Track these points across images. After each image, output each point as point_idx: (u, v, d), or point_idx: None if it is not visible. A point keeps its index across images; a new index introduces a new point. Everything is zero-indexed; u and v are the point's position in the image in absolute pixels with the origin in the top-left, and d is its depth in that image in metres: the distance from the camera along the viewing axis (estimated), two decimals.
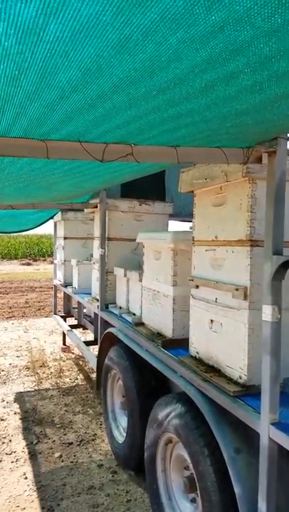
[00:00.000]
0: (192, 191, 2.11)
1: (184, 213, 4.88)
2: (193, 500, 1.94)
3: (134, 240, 3.02)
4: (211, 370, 1.85)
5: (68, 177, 1.91)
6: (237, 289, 1.67)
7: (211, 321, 1.89)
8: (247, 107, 0.92)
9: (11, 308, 8.99)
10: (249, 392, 1.62)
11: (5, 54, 0.66)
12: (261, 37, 0.61)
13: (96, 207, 3.49)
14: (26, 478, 2.62)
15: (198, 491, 1.72)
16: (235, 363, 1.70)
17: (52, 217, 5.00)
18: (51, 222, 5.60)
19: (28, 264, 20.36)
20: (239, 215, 1.72)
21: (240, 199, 1.71)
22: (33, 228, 5.15)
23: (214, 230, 1.91)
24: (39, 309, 8.90)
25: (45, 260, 21.65)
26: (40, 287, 12.03)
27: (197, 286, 2.01)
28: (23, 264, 20.05)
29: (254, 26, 0.58)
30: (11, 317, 8.11)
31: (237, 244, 1.73)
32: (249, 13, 0.57)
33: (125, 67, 0.72)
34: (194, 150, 1.31)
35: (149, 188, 4.56)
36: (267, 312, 1.40)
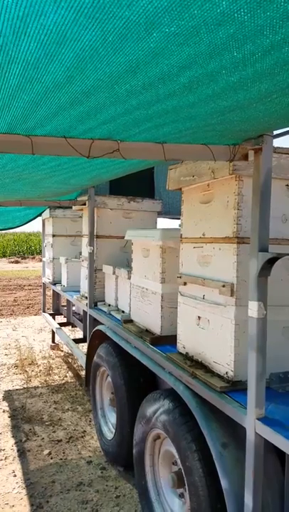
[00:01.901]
0: (180, 188, 2.11)
1: (173, 211, 4.90)
2: (181, 496, 1.95)
3: (123, 237, 3.02)
4: (198, 366, 1.86)
5: (55, 173, 1.90)
6: (224, 286, 1.69)
7: (199, 317, 1.90)
8: (232, 103, 0.92)
9: None
10: (236, 388, 1.63)
11: None
12: (245, 33, 0.61)
13: (84, 204, 3.48)
14: (15, 475, 2.60)
15: (186, 486, 1.73)
16: (222, 359, 1.71)
17: (40, 215, 4.96)
18: (40, 219, 5.56)
19: (17, 262, 20.18)
20: (226, 213, 1.73)
21: (227, 196, 1.72)
22: (20, 226, 5.10)
23: (202, 228, 1.92)
24: (28, 307, 8.84)
25: (34, 258, 21.48)
26: (29, 285, 11.94)
27: (185, 283, 2.02)
28: (12, 262, 19.87)
29: (237, 22, 0.58)
30: None
31: (224, 241, 1.74)
32: (232, 7, 0.56)
33: (108, 62, 0.72)
34: (181, 147, 1.32)
35: (138, 185, 4.57)
36: (253, 308, 1.41)
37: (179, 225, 2.18)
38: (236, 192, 1.67)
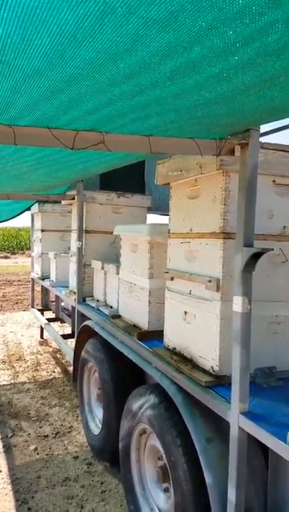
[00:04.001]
0: (168, 183, 2.10)
1: (164, 207, 4.88)
2: (166, 490, 1.96)
3: (112, 232, 3.00)
4: (184, 361, 1.86)
5: (40, 165, 1.87)
6: (210, 281, 1.68)
7: (185, 312, 1.90)
8: (216, 95, 0.91)
9: None
10: (221, 383, 1.64)
11: None
12: (224, 20, 0.60)
13: (73, 199, 3.45)
14: (0, 471, 2.59)
15: (171, 481, 1.73)
16: (208, 353, 1.71)
17: (28, 209, 4.91)
18: (29, 214, 5.50)
19: (6, 257, 20.00)
20: (213, 208, 1.73)
21: (214, 192, 1.72)
22: (7, 220, 5.05)
23: (189, 223, 1.91)
24: (17, 303, 8.78)
25: (23, 253, 21.32)
26: (19, 281, 11.84)
27: (172, 279, 2.02)
28: (1, 258, 19.69)
29: (216, 8, 0.57)
30: None
31: (210, 236, 1.74)
32: None
33: (87, 48, 0.70)
34: (167, 140, 1.30)
35: (129, 181, 4.54)
36: (237, 303, 1.41)
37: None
38: (223, 187, 1.66)
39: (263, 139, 1.65)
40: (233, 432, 1.42)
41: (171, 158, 2.02)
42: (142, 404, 1.99)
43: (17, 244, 23.38)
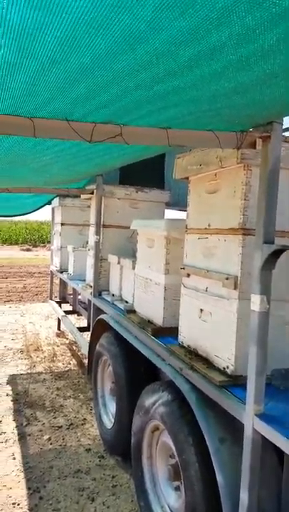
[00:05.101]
0: (187, 178, 2.06)
1: (183, 202, 4.82)
2: (177, 488, 1.94)
3: (129, 227, 2.99)
4: (199, 359, 1.83)
5: (59, 159, 1.87)
6: (227, 278, 1.64)
7: (201, 310, 1.87)
8: (236, 85, 0.87)
9: (9, 292, 9.01)
10: (236, 383, 1.60)
11: None
12: (243, 4, 0.56)
13: (92, 193, 3.44)
14: (14, 458, 2.63)
15: (182, 480, 1.71)
16: (223, 352, 1.68)
17: (49, 203, 4.95)
18: (50, 208, 5.55)
19: (28, 249, 20.34)
20: (232, 203, 1.68)
21: (234, 186, 1.67)
22: (28, 213, 5.11)
23: (207, 218, 1.87)
24: (36, 294, 8.92)
25: (44, 246, 21.62)
26: (39, 273, 12.03)
27: (188, 275, 1.98)
28: (23, 250, 20.04)
29: None
30: (8, 301, 8.13)
31: (229, 232, 1.70)
32: None
33: (103, 37, 0.67)
34: (185, 132, 1.27)
35: (149, 175, 4.50)
36: (255, 302, 1.37)
37: None
38: (244, 182, 1.61)
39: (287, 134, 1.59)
40: (247, 434, 1.39)
41: (190, 152, 1.98)
42: (155, 400, 1.97)
43: (38, 238, 23.75)
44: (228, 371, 1.64)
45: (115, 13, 0.62)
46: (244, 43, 0.68)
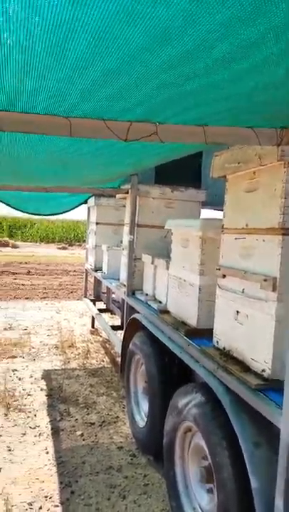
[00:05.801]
0: (224, 176, 2.03)
1: (221, 202, 4.73)
2: (209, 491, 1.91)
3: (164, 227, 2.98)
4: (234, 361, 1.79)
5: (95, 158, 1.89)
6: (266, 280, 1.60)
7: (237, 312, 1.82)
8: (273, 80, 0.84)
9: (45, 289, 9.26)
10: (272, 386, 1.55)
11: (15, 19, 0.63)
12: None
13: (127, 193, 3.46)
14: (48, 452, 2.70)
15: (215, 482, 1.69)
16: (260, 355, 1.63)
17: (85, 202, 5.04)
18: (86, 207, 5.65)
19: (64, 248, 20.83)
20: (272, 202, 1.63)
21: (274, 184, 1.62)
22: (65, 212, 5.22)
23: (245, 218, 1.83)
24: (71, 292, 9.11)
25: (80, 245, 22.05)
26: (74, 271, 12.28)
27: (224, 276, 1.95)
28: (60, 248, 20.54)
29: None
30: (44, 298, 8.36)
31: (268, 232, 1.65)
32: None
33: (139, 32, 0.67)
34: (223, 129, 1.24)
35: (185, 175, 4.46)
36: None
37: None
38: (284, 180, 1.56)
39: None
40: (284, 440, 1.34)
41: (228, 149, 1.94)
42: (188, 401, 1.96)
43: (74, 236, 24.25)
44: (265, 374, 1.59)
45: (152, 7, 0.61)
46: (283, 36, 0.65)
